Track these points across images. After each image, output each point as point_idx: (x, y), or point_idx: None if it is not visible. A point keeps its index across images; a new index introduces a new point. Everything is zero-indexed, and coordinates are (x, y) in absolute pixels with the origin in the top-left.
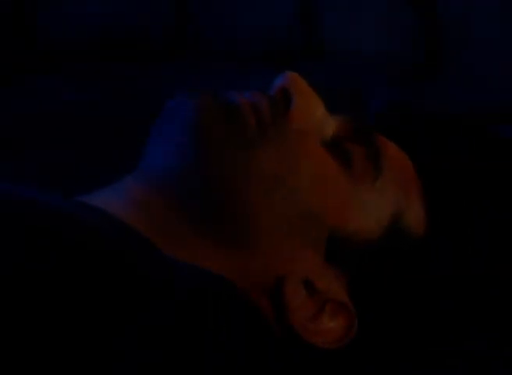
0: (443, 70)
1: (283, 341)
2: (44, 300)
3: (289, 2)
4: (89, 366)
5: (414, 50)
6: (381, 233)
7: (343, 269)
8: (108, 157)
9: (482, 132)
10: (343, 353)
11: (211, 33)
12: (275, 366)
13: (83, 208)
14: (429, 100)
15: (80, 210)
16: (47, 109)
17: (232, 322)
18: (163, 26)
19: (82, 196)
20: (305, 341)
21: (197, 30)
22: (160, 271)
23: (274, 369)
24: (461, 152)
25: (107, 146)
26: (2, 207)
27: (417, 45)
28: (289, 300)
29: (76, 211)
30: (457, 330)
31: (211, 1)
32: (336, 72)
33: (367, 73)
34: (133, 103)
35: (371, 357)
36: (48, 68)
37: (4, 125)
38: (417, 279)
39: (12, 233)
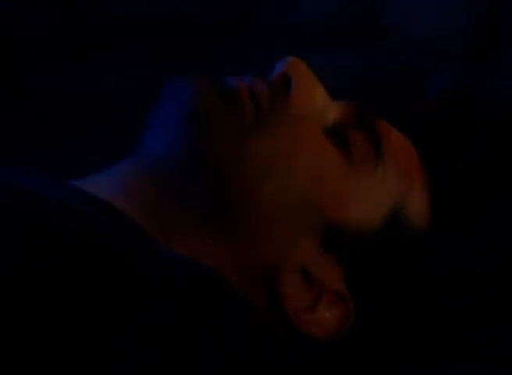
0: (505, 52)
1: (278, 333)
2: (44, 300)
3: None
4: (89, 365)
5: (477, 30)
6: (381, 223)
7: (340, 259)
8: None
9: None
10: (343, 353)
11: (275, 9)
12: (275, 366)
13: (80, 198)
14: (490, 82)
15: (77, 200)
16: (110, 85)
17: (225, 319)
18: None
19: (79, 179)
20: (300, 331)
21: (261, 6)
22: (159, 269)
23: (274, 369)
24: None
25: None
26: (1, 202)
27: (479, 25)
28: (285, 288)
29: (73, 202)
30: (457, 327)
31: None
32: (396, 51)
33: (429, 52)
34: None
35: (371, 357)
36: (109, 44)
37: (70, 101)
38: (418, 273)
39: (11, 232)
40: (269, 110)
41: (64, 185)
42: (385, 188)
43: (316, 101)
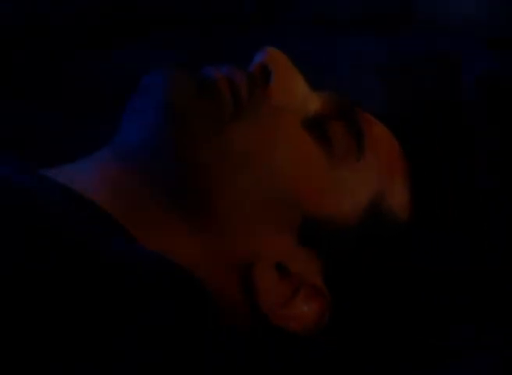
0: None
1: (257, 329)
2: (44, 300)
3: None
4: (89, 365)
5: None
6: (360, 217)
7: (319, 253)
8: None
9: None
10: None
11: None
12: (276, 366)
13: (52, 190)
14: None
15: (47, 192)
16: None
17: (189, 317)
18: None
19: (58, 167)
20: (275, 325)
21: None
22: (116, 265)
23: (274, 369)
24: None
25: None
26: None
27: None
28: (259, 283)
29: (46, 196)
30: (439, 323)
31: None
32: (431, 37)
33: (465, 39)
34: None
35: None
36: (134, 32)
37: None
38: (400, 266)
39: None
40: (247, 100)
41: (34, 174)
42: (366, 181)
43: (296, 93)
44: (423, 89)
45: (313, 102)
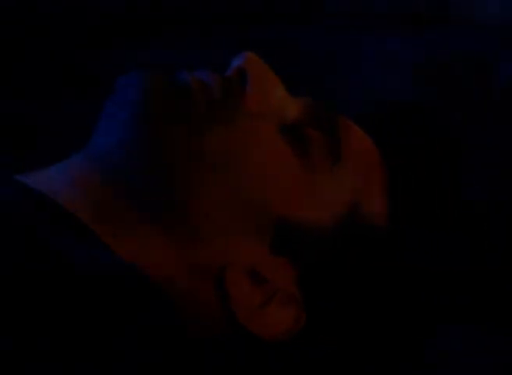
0: None
1: (230, 335)
2: (44, 300)
3: None
4: (89, 366)
5: None
6: (335, 223)
7: (293, 259)
8: None
9: None
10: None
11: None
12: (276, 366)
13: (26, 197)
14: None
15: (20, 201)
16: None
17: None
18: None
19: (32, 173)
20: (250, 332)
21: None
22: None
23: (274, 369)
24: None
25: None
26: None
27: None
28: (231, 290)
29: (18, 204)
30: (439, 323)
31: None
32: (461, 37)
33: (496, 40)
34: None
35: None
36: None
37: None
38: (377, 270)
39: None
40: (221, 105)
41: (5, 179)
42: (341, 189)
43: (272, 98)
44: (459, 89)
45: (290, 109)
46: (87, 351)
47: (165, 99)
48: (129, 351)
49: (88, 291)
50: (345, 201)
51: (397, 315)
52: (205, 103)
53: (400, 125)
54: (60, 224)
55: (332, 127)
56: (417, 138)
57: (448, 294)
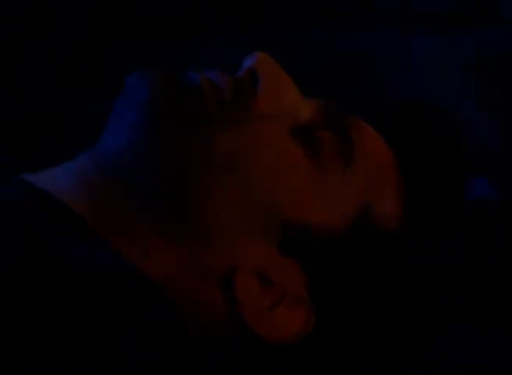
0: None
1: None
2: (44, 300)
3: None
4: (89, 366)
5: None
6: (346, 224)
7: (302, 261)
8: None
9: None
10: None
11: None
12: (276, 366)
13: (30, 197)
14: None
15: (24, 200)
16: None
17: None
18: None
19: (37, 172)
20: (257, 335)
21: None
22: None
23: (274, 369)
24: None
25: None
26: None
27: None
28: (240, 293)
29: (21, 204)
30: (439, 323)
31: None
32: (509, 36)
33: None
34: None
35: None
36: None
37: None
38: (384, 271)
39: None
40: (232, 106)
41: (9, 179)
42: (353, 190)
43: (285, 100)
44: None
45: (303, 110)
46: (87, 351)
47: (175, 99)
48: (129, 351)
49: (88, 291)
50: (356, 202)
51: (398, 315)
52: (216, 104)
53: (413, 125)
54: (61, 224)
55: (344, 128)
56: (429, 139)
57: (448, 295)
